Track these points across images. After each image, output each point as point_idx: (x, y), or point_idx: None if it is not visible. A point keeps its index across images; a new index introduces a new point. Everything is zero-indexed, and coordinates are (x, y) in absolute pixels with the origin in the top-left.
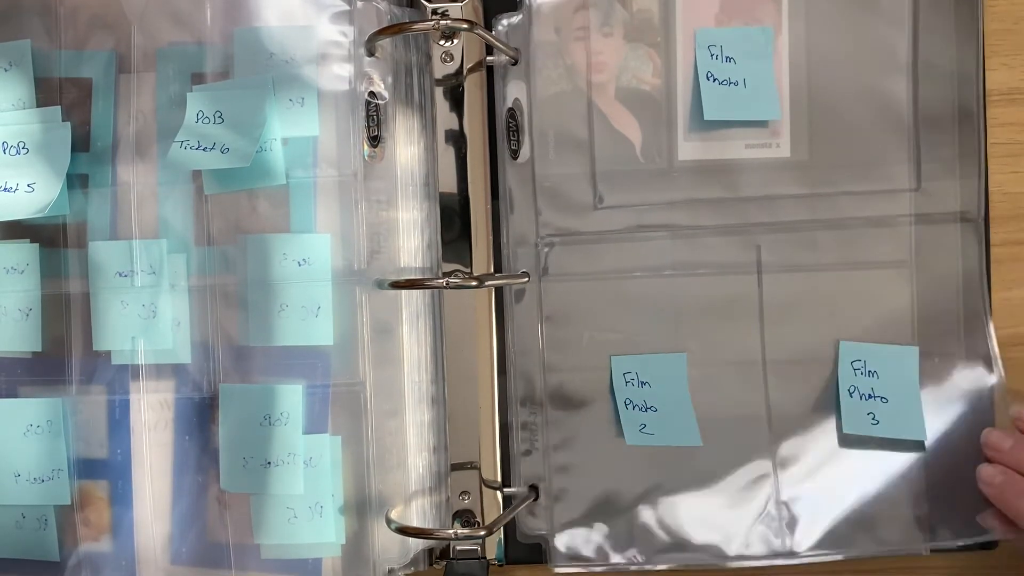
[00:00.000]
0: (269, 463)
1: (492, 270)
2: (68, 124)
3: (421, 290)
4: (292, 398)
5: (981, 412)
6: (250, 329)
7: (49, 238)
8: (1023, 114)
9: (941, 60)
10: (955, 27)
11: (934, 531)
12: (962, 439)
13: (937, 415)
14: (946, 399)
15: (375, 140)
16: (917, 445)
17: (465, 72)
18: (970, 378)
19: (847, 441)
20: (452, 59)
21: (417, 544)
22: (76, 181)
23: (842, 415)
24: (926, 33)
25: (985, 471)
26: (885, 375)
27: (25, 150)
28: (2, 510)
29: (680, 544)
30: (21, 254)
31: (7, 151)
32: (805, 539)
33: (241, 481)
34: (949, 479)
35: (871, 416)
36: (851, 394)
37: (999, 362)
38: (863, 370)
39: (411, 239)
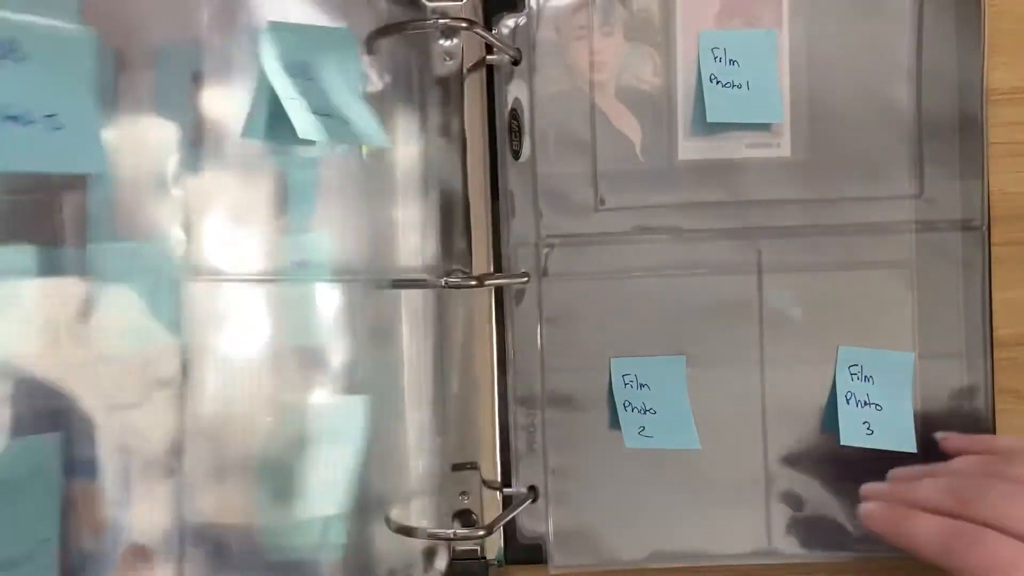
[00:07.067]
0: None
1: (492, 270)
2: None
3: (421, 290)
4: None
5: (980, 415)
6: None
7: (48, 238)
8: (1023, 114)
9: (943, 65)
10: (957, 32)
11: None
12: None
13: (935, 417)
14: (945, 401)
15: None
16: (909, 454)
17: (465, 71)
18: (969, 381)
19: (844, 444)
20: (452, 58)
21: (417, 544)
22: (75, 180)
23: (840, 425)
24: (929, 37)
25: (865, 507)
26: (880, 381)
27: None
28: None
29: (677, 544)
30: (18, 256)
31: None
32: (802, 540)
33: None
34: None
35: (866, 426)
36: (848, 400)
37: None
38: (860, 375)
39: (411, 238)
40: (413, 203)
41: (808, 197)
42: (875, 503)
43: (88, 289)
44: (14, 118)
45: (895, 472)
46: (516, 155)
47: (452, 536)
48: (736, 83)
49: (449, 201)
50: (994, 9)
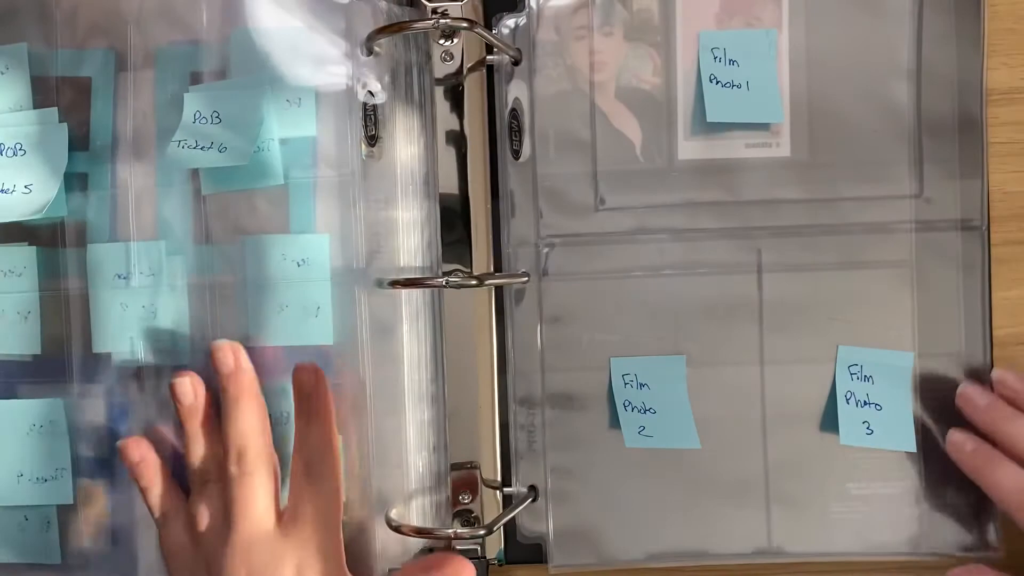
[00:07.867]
0: None
1: (492, 270)
2: (65, 125)
3: (421, 289)
4: (292, 398)
5: None
6: (250, 329)
7: (48, 239)
8: (1023, 114)
9: (943, 65)
10: (957, 32)
11: (930, 533)
12: None
13: (936, 417)
14: (945, 401)
15: (373, 140)
16: (909, 454)
17: (465, 71)
18: (969, 380)
19: (843, 443)
20: (452, 58)
21: (417, 543)
22: (75, 181)
23: (839, 425)
24: (929, 37)
25: (955, 436)
26: (880, 381)
27: (22, 151)
28: (5, 512)
29: (677, 544)
30: (19, 257)
31: (4, 152)
32: (802, 539)
33: None
34: (946, 481)
35: (866, 425)
36: (847, 400)
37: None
38: (859, 375)
39: (411, 238)
40: (413, 203)
41: (808, 197)
42: (965, 436)
43: None
44: None
45: (1000, 375)
46: (516, 155)
47: (452, 536)
48: (736, 83)
49: (449, 201)
50: (994, 9)
